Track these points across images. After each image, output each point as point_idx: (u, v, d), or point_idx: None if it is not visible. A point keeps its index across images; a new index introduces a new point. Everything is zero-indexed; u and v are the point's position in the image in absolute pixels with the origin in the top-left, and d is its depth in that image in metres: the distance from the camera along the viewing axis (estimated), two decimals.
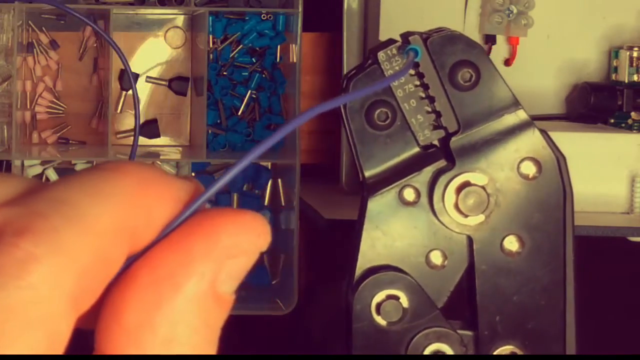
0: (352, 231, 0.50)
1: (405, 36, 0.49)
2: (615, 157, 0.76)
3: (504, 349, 0.51)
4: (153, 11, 0.87)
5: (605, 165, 0.76)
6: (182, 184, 0.24)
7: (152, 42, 0.88)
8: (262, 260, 0.86)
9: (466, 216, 0.49)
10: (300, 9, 0.81)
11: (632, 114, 0.81)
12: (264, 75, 0.87)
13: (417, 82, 0.49)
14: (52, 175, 0.86)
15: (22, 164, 0.85)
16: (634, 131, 0.80)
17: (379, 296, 0.49)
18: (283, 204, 0.86)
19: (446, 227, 0.49)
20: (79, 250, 0.21)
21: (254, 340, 0.88)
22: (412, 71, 0.48)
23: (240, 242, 0.23)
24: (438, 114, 0.49)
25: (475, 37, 0.83)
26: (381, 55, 0.48)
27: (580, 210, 0.76)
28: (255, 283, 0.85)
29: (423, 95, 0.49)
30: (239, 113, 0.87)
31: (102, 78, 0.87)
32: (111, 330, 0.22)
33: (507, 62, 0.84)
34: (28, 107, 0.87)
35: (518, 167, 0.49)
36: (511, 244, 0.50)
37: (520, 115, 0.50)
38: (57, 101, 0.88)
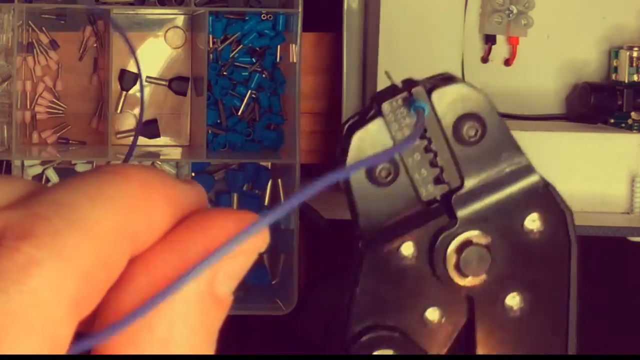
0: (351, 230, 0.49)
1: (408, 85, 0.47)
2: (615, 157, 0.76)
3: None
4: (153, 11, 0.87)
5: (605, 165, 0.76)
6: (183, 187, 0.24)
7: (152, 42, 0.88)
8: (262, 260, 0.86)
9: (467, 276, 0.47)
10: (300, 9, 0.81)
11: (632, 114, 0.81)
12: (264, 75, 0.87)
13: (422, 135, 0.47)
14: (52, 175, 0.86)
15: (22, 164, 0.85)
16: (634, 131, 0.80)
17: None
18: None
19: (446, 286, 0.47)
20: (80, 254, 0.21)
21: (254, 340, 0.88)
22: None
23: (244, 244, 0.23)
24: (441, 169, 0.46)
25: (475, 37, 0.83)
26: (386, 107, 0.46)
27: (580, 210, 0.76)
28: (255, 283, 0.85)
29: (427, 147, 0.46)
30: (239, 113, 0.87)
31: (102, 78, 0.87)
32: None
33: (507, 62, 0.84)
34: (28, 107, 0.87)
35: (523, 222, 0.47)
36: (513, 299, 0.48)
37: (527, 169, 0.47)
38: (57, 101, 0.88)
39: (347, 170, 0.23)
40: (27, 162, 0.85)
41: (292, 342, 0.87)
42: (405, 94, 0.46)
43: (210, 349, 0.23)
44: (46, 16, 0.87)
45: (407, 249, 0.46)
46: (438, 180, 0.46)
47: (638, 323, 0.90)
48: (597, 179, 0.76)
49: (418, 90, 0.46)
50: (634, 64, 0.81)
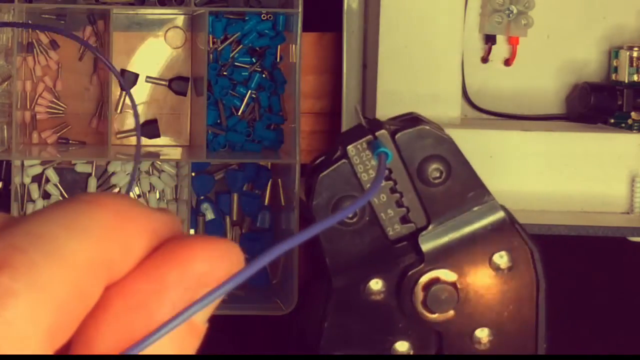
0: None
1: (373, 126, 0.48)
2: (615, 157, 0.76)
3: None
4: (153, 11, 0.87)
5: (605, 165, 0.76)
6: (158, 215, 0.24)
7: (152, 42, 0.88)
8: None
9: (434, 313, 0.47)
10: (300, 9, 0.81)
11: (632, 114, 0.81)
12: (264, 75, 0.87)
13: (387, 177, 0.47)
14: (52, 175, 0.86)
15: (22, 164, 0.85)
16: (634, 131, 0.80)
17: None
18: (283, 204, 0.86)
19: (414, 322, 0.48)
20: (57, 285, 0.21)
21: (254, 340, 0.88)
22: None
23: (213, 270, 0.23)
24: (407, 209, 0.47)
25: (475, 37, 0.83)
26: (351, 149, 0.47)
27: (580, 210, 0.76)
28: (255, 283, 0.85)
29: (393, 188, 0.47)
30: (239, 113, 0.87)
31: (102, 78, 0.87)
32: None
33: (507, 62, 0.84)
34: (28, 107, 0.87)
35: (490, 260, 0.48)
36: (482, 333, 0.48)
37: (493, 207, 0.48)
38: (57, 101, 0.88)
39: (319, 227, 0.24)
40: (27, 162, 0.85)
41: (292, 342, 0.87)
42: (369, 137, 0.47)
43: None
44: (46, 16, 0.87)
45: (376, 284, 0.47)
46: (404, 220, 0.47)
47: (638, 323, 0.90)
48: (597, 179, 0.76)
49: (382, 134, 0.47)
50: (634, 64, 0.81)
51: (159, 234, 0.24)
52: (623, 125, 0.81)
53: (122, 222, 0.23)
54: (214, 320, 0.24)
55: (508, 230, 0.48)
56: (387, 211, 0.47)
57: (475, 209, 0.47)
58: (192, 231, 0.86)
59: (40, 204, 0.86)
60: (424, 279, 0.47)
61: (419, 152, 0.47)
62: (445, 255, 0.47)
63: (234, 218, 0.88)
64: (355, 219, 0.47)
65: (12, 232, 0.22)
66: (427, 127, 0.47)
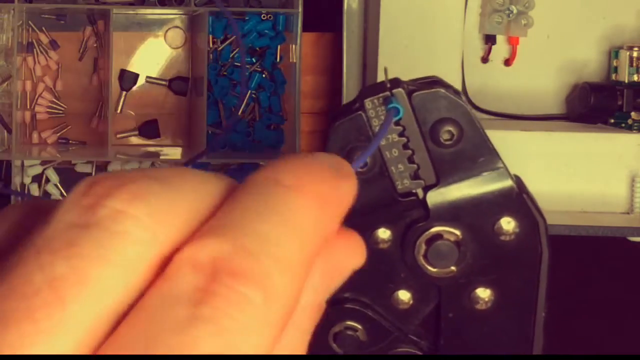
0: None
1: (393, 84, 0.49)
2: (615, 157, 0.76)
3: None
4: (153, 11, 0.87)
5: (605, 165, 0.76)
6: (340, 192, 0.25)
7: (152, 42, 0.88)
8: None
9: (435, 267, 0.49)
10: (300, 9, 0.81)
11: (632, 114, 0.81)
12: (264, 75, 0.87)
13: (401, 133, 0.49)
14: (52, 175, 0.86)
15: (22, 164, 0.85)
16: (634, 131, 0.80)
17: (338, 327, 0.50)
18: None
19: (415, 273, 0.49)
20: (288, 294, 0.22)
21: None
22: (395, 122, 0.49)
23: (350, 263, 0.25)
24: (417, 166, 0.49)
25: (475, 37, 0.83)
26: (368, 103, 0.48)
27: (580, 210, 0.76)
28: None
29: (406, 145, 0.49)
30: (239, 113, 0.87)
31: (102, 78, 0.87)
32: None
33: (507, 62, 0.84)
34: (28, 107, 0.87)
35: (495, 225, 0.49)
36: (480, 295, 0.50)
37: (502, 174, 0.49)
38: (57, 101, 0.88)
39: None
40: (27, 162, 0.85)
41: None
42: (387, 93, 0.48)
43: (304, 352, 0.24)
44: (46, 16, 0.87)
45: (384, 233, 0.49)
46: (414, 176, 0.48)
47: (638, 323, 0.90)
48: (597, 179, 0.76)
49: (399, 92, 0.48)
50: (634, 64, 0.81)
51: (344, 210, 0.25)
52: (623, 125, 0.81)
53: (324, 215, 0.24)
54: None
55: (516, 199, 0.49)
56: (398, 166, 0.49)
57: (485, 174, 0.49)
58: None
59: None
60: (428, 233, 0.49)
61: (433, 114, 0.49)
62: (451, 214, 0.49)
63: None
64: (365, 169, 0.49)
65: (234, 227, 0.22)
66: (443, 90, 0.49)
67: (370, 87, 0.49)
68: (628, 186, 0.76)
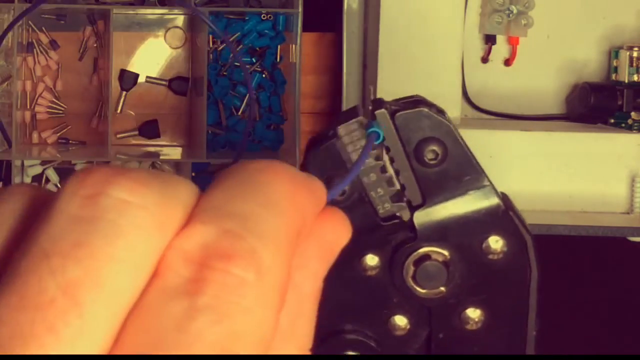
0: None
1: (375, 105, 0.49)
2: (615, 157, 0.76)
3: None
4: (153, 11, 0.87)
5: (605, 165, 0.76)
6: (308, 176, 0.25)
7: (152, 42, 0.88)
8: None
9: (424, 288, 0.49)
10: (300, 9, 0.81)
11: (632, 114, 0.81)
12: (264, 75, 0.87)
13: (378, 156, 0.49)
14: (52, 175, 0.86)
15: (22, 164, 0.85)
16: (634, 131, 0.80)
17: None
18: None
19: (406, 296, 0.49)
20: (276, 269, 0.22)
21: None
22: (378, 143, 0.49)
23: (339, 238, 0.25)
24: (402, 187, 0.49)
25: (475, 37, 0.83)
26: (342, 129, 0.48)
27: (580, 210, 0.76)
28: None
29: (384, 168, 0.48)
30: (239, 113, 0.87)
31: (102, 78, 0.87)
32: None
33: (507, 62, 0.84)
34: (28, 107, 0.87)
35: (483, 244, 0.49)
36: (470, 315, 0.50)
37: (488, 192, 0.49)
38: (57, 101, 0.88)
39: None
40: (27, 162, 0.85)
41: None
42: (360, 118, 0.48)
43: (311, 340, 0.24)
44: (46, 16, 0.87)
45: (372, 260, 0.49)
46: (395, 199, 0.48)
47: (638, 323, 0.90)
48: (597, 179, 0.76)
49: (381, 113, 0.48)
50: (634, 64, 0.81)
51: (318, 195, 0.25)
52: (623, 125, 0.81)
53: (297, 190, 0.24)
54: None
55: (502, 217, 0.49)
56: (377, 190, 0.49)
57: (471, 192, 0.49)
58: None
59: None
60: (416, 254, 0.49)
61: (417, 133, 0.49)
62: (438, 234, 0.49)
63: None
64: (343, 197, 0.49)
65: (215, 213, 0.22)
66: (426, 110, 0.48)
67: (344, 113, 0.49)
68: (628, 186, 0.76)
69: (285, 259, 0.22)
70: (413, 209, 0.48)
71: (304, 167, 0.48)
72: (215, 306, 0.21)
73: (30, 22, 0.87)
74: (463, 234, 0.48)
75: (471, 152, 0.49)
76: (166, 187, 0.22)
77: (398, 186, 0.48)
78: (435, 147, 0.48)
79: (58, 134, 0.88)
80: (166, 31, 0.88)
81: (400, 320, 0.50)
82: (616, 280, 0.90)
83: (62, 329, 0.20)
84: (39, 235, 0.21)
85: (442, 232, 0.48)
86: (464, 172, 0.48)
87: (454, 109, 0.78)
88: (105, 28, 0.86)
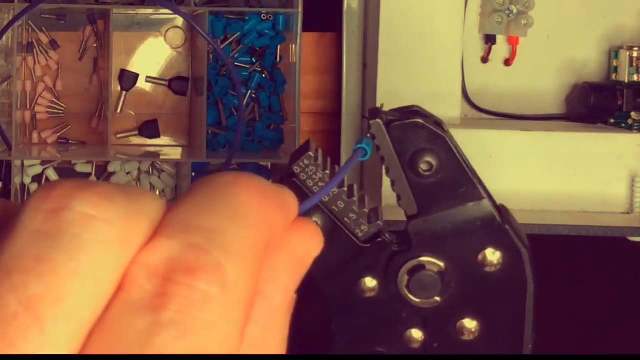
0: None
1: (372, 115, 0.49)
2: (615, 157, 0.76)
3: None
4: (153, 11, 0.87)
5: (605, 165, 0.76)
6: (279, 188, 0.25)
7: (152, 42, 0.88)
8: None
9: (418, 298, 0.49)
10: (300, 9, 0.81)
11: (632, 114, 0.81)
12: (264, 75, 0.87)
13: (341, 184, 0.49)
14: (52, 175, 0.86)
15: (22, 164, 0.85)
16: (634, 131, 0.80)
17: None
18: None
19: (408, 307, 0.49)
20: (242, 282, 0.22)
21: None
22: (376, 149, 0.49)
23: (310, 250, 0.25)
24: (398, 197, 0.49)
25: (475, 37, 0.83)
26: (296, 168, 0.48)
27: (580, 210, 0.76)
28: None
29: (349, 193, 0.48)
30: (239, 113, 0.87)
31: (102, 78, 0.87)
32: None
33: (507, 62, 0.84)
34: (28, 107, 0.87)
35: (478, 255, 0.49)
36: (467, 326, 0.50)
37: (483, 205, 0.49)
38: (57, 101, 0.88)
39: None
40: (27, 162, 0.85)
41: (292, 341, 0.87)
42: (309, 153, 0.48)
43: (284, 348, 0.24)
44: (46, 16, 0.87)
45: (370, 282, 0.48)
46: (371, 219, 0.48)
47: (638, 323, 0.90)
48: (597, 179, 0.76)
49: (376, 123, 0.48)
50: (634, 64, 0.81)
51: (288, 208, 0.25)
52: (623, 125, 0.81)
53: (266, 202, 0.24)
54: None
55: (497, 229, 0.49)
56: (350, 215, 0.48)
57: (466, 204, 0.49)
58: None
59: None
60: (410, 264, 0.49)
61: (411, 144, 0.49)
62: (433, 244, 0.49)
63: None
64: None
65: (181, 227, 0.22)
66: (421, 121, 0.48)
67: (296, 152, 0.50)
68: (628, 186, 0.76)
69: (252, 272, 0.22)
70: (409, 218, 0.48)
71: None
72: (178, 321, 0.20)
73: (30, 22, 0.87)
74: (459, 245, 0.48)
75: (468, 164, 0.49)
76: (131, 201, 0.22)
77: (367, 207, 0.48)
78: (429, 159, 0.48)
79: (58, 134, 0.88)
80: (166, 31, 0.88)
81: (416, 334, 0.49)
82: (616, 280, 0.90)
83: (22, 345, 0.20)
84: (2, 252, 0.21)
85: (437, 242, 0.48)
86: (459, 184, 0.48)
87: (454, 109, 0.78)
88: (105, 28, 0.86)
